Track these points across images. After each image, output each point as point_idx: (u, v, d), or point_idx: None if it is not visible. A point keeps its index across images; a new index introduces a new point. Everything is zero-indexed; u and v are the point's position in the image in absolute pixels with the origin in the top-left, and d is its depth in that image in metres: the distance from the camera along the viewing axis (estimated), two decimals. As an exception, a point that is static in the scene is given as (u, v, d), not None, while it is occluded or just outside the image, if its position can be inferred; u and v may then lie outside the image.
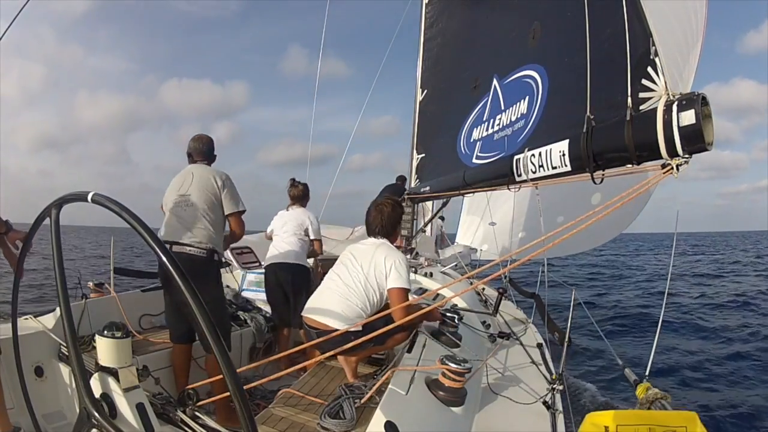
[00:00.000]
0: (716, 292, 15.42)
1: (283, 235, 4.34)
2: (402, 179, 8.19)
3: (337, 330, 2.70)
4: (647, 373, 2.26)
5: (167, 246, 2.83)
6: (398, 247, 5.47)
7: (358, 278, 2.81)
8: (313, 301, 2.95)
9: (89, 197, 1.47)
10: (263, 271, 4.73)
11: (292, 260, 4.24)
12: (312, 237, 4.44)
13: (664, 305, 2.69)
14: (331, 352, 2.57)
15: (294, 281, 4.18)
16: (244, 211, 3.30)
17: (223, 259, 3.39)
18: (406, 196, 5.71)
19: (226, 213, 3.21)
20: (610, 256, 36.09)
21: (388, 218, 2.98)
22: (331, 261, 4.80)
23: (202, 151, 3.33)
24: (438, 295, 3.64)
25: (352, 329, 2.61)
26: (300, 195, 4.51)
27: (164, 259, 1.33)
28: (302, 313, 2.95)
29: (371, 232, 3.03)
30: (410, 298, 2.83)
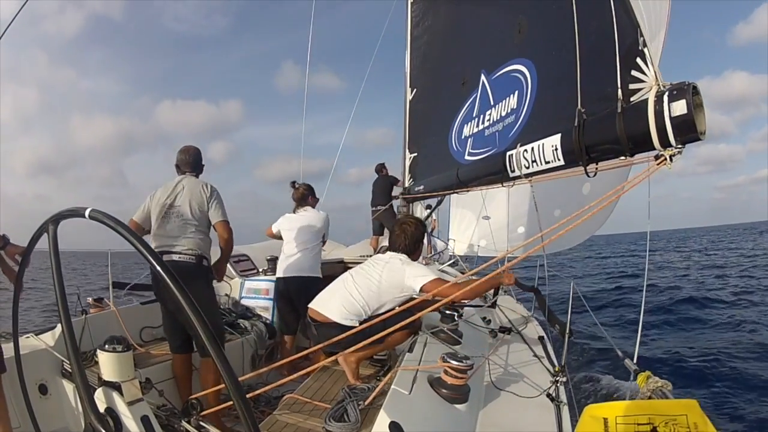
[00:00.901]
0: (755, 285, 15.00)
1: (296, 245, 4.24)
2: (382, 166, 8.24)
3: (334, 322, 2.81)
4: (635, 361, 2.28)
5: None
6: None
7: (370, 281, 2.91)
8: (320, 294, 3.08)
9: (86, 213, 1.47)
10: (262, 278, 4.71)
11: (306, 273, 4.17)
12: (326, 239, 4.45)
13: (643, 300, 2.70)
14: (336, 356, 2.59)
15: (306, 294, 3.84)
16: (228, 222, 3.37)
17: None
18: (400, 196, 5.71)
19: (212, 222, 3.30)
20: (629, 257, 35.58)
21: (411, 237, 3.09)
22: (330, 264, 4.76)
23: (189, 162, 3.44)
24: None
25: (353, 331, 2.63)
26: (303, 196, 4.43)
27: (158, 268, 1.33)
28: (309, 305, 3.06)
29: (394, 250, 3.11)
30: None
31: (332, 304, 2.92)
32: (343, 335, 2.64)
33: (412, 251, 3.10)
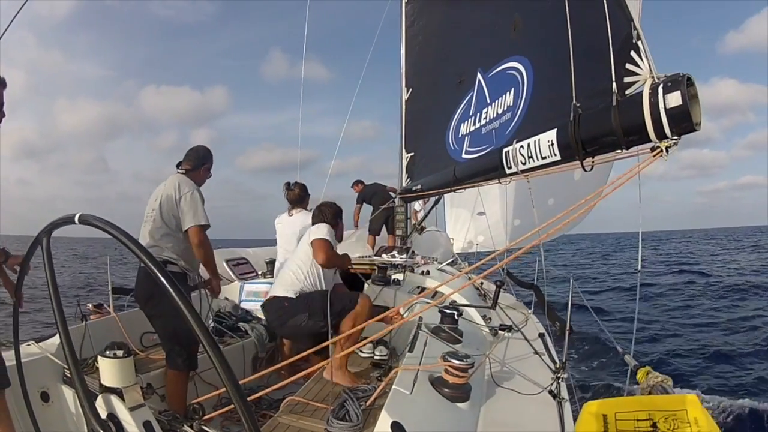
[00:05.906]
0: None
1: (288, 253, 4.11)
2: (359, 182, 8.38)
3: (274, 296, 3.24)
4: (631, 353, 2.28)
5: None
6: (391, 247, 5.42)
7: (299, 251, 3.37)
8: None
9: (76, 219, 1.47)
10: (262, 281, 4.69)
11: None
12: None
13: (637, 298, 2.70)
14: (327, 362, 2.66)
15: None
16: (204, 226, 3.04)
17: (197, 279, 3.22)
18: (398, 195, 5.72)
19: (183, 228, 3.01)
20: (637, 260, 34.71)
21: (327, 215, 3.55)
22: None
23: (189, 159, 3.24)
24: (437, 292, 3.63)
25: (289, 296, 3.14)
26: (298, 198, 4.37)
27: (155, 270, 1.31)
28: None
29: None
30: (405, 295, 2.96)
31: (277, 283, 3.34)
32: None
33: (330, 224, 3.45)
